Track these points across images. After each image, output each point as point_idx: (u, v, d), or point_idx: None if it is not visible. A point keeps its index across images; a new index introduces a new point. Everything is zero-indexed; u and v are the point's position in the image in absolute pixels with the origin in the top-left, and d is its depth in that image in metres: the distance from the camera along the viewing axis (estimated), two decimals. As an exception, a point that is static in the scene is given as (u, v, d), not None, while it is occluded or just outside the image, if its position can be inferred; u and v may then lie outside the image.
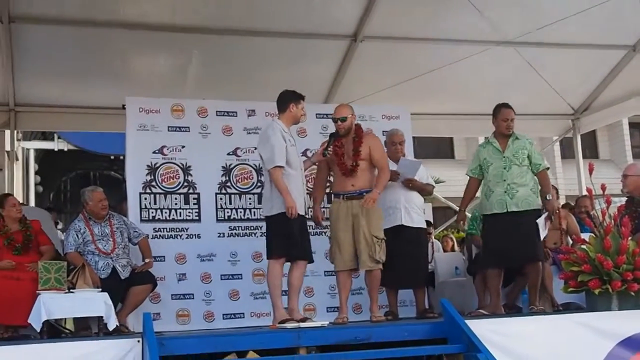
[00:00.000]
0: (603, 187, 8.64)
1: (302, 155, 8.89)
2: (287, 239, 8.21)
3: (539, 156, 9.08)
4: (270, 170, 8.23)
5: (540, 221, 8.78)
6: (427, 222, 10.51)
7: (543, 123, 14.69)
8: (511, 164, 8.99)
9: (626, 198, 9.64)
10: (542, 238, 8.87)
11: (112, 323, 7.83)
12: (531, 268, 9.01)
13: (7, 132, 12.68)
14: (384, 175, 8.81)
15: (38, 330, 7.57)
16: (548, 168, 9.18)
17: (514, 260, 8.99)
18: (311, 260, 8.63)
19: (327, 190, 9.43)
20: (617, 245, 8.20)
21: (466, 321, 7.38)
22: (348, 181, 8.77)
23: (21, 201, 11.68)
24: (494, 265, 9.13)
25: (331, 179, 9.17)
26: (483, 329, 7.31)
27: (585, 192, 11.29)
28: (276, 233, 8.30)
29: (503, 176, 9.00)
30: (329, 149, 8.77)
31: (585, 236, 8.99)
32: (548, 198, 8.95)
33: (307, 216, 8.63)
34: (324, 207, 9.38)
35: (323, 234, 9.67)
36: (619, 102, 13.52)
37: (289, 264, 8.40)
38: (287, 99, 8.53)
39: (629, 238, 8.29)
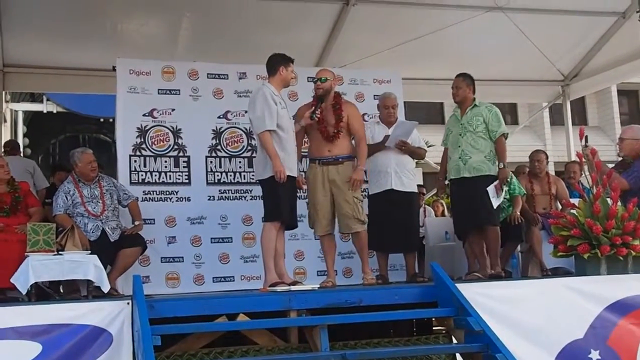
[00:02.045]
0: (593, 152, 8.68)
1: (292, 119, 8.84)
2: (280, 202, 8.24)
3: (496, 123, 9.03)
4: (260, 134, 8.23)
5: (491, 189, 8.81)
6: (418, 185, 10.50)
7: (533, 89, 14.76)
8: (466, 131, 9.08)
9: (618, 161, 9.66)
10: (494, 205, 8.86)
11: (106, 286, 7.80)
12: (487, 232, 9.03)
13: (-4, 93, 12.61)
14: (363, 146, 8.92)
15: (24, 293, 7.52)
16: (505, 135, 9.09)
17: (466, 225, 9.11)
18: (295, 226, 8.68)
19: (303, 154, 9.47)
20: (606, 210, 8.23)
21: (456, 285, 7.41)
22: (325, 147, 8.84)
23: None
24: (457, 231, 9.42)
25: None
26: (473, 292, 7.35)
27: (574, 158, 11.31)
28: (270, 196, 8.32)
29: (458, 142, 9.13)
30: (317, 112, 8.78)
31: (575, 201, 9.03)
32: (500, 167, 8.97)
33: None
34: (301, 171, 9.35)
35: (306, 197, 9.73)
36: (608, 69, 13.57)
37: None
38: (277, 62, 8.51)
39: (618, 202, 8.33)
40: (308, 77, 10.50)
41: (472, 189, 8.91)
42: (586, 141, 8.99)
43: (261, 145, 8.28)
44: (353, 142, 9.03)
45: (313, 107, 8.83)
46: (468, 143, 9.02)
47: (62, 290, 8.58)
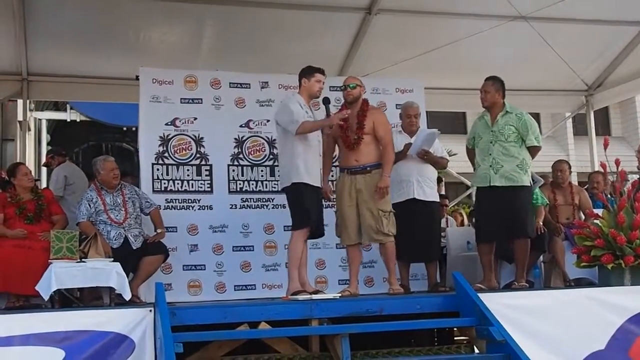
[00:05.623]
0: (617, 162, 8.61)
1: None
2: (305, 209, 8.26)
3: (526, 132, 8.83)
4: (298, 129, 8.22)
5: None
6: (441, 195, 10.46)
7: (556, 99, 14.65)
8: (497, 140, 8.87)
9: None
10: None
11: (127, 293, 7.82)
12: (517, 244, 8.92)
13: (20, 102, 12.69)
14: (389, 153, 8.75)
15: (46, 299, 7.56)
16: (537, 147, 8.92)
17: (499, 235, 8.91)
18: (322, 234, 8.69)
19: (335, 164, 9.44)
20: (631, 220, 8.19)
21: (478, 294, 7.38)
22: (352, 156, 8.75)
23: (32, 172, 11.67)
24: (480, 239, 9.13)
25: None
26: (495, 302, 7.33)
27: (597, 168, 11.25)
28: (296, 203, 8.35)
29: (489, 150, 8.91)
30: (330, 114, 8.71)
31: (598, 211, 8.97)
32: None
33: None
34: (331, 180, 9.37)
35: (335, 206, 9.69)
36: (632, 79, 13.48)
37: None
38: (301, 75, 8.61)
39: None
40: (330, 87, 10.45)
41: (504, 199, 8.74)
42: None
43: (285, 152, 8.37)
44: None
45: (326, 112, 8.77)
46: (499, 151, 8.81)
47: (78, 296, 8.62)
